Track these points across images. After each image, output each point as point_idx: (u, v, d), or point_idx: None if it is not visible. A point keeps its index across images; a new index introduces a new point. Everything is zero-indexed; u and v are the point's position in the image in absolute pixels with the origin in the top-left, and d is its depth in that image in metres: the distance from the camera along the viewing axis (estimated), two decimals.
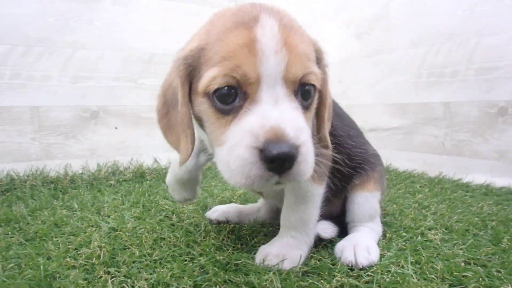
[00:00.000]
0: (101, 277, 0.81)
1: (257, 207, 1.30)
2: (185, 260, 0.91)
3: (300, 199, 0.92)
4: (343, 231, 1.08)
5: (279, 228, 0.98)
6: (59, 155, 2.03)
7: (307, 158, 0.66)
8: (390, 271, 0.84)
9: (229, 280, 0.80)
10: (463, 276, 0.81)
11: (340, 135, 0.99)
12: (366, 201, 1.03)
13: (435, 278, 0.80)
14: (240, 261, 0.89)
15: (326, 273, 0.84)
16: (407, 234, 1.08)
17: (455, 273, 0.81)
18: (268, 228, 1.17)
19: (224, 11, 0.76)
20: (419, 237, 1.06)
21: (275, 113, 0.65)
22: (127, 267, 0.86)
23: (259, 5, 0.72)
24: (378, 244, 1.01)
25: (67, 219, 1.24)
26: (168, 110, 0.79)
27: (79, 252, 0.95)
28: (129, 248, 0.98)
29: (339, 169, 0.98)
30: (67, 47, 2.05)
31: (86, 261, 0.89)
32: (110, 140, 2.18)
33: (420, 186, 1.74)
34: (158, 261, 0.90)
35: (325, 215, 0.99)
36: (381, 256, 0.94)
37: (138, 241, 1.02)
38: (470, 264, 0.88)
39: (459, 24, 1.91)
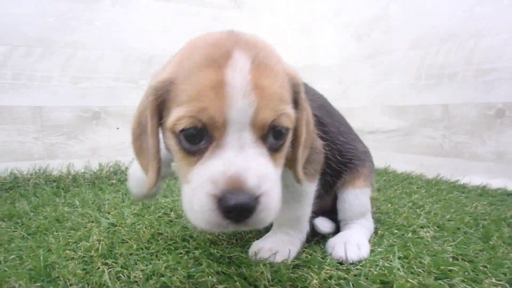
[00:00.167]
0: (98, 268, 0.85)
1: None
2: (181, 253, 0.94)
3: (294, 197, 0.94)
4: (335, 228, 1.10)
5: (272, 225, 1.00)
6: (61, 155, 2.06)
7: (269, 206, 0.64)
8: (378, 265, 0.86)
9: (221, 271, 0.83)
10: (449, 270, 0.82)
11: (332, 132, 1.01)
12: (356, 198, 1.05)
13: (421, 272, 0.82)
14: (233, 255, 0.92)
15: (316, 266, 0.86)
16: (399, 232, 1.11)
17: (441, 267, 0.83)
18: None
19: (200, 41, 0.72)
20: (410, 234, 1.08)
21: (238, 161, 0.64)
22: (124, 259, 0.90)
23: (235, 38, 0.69)
24: (369, 240, 1.03)
25: (68, 215, 1.28)
26: (141, 133, 0.78)
27: (78, 245, 0.98)
28: (127, 242, 1.01)
29: (331, 165, 1.01)
30: (67, 47, 2.06)
31: (84, 253, 0.92)
32: (111, 141, 2.19)
33: (417, 187, 1.76)
34: (155, 254, 0.94)
35: (316, 211, 1.02)
36: (372, 251, 0.96)
37: (136, 236, 1.05)
38: (457, 259, 0.90)
39: (459, 25, 1.93)
